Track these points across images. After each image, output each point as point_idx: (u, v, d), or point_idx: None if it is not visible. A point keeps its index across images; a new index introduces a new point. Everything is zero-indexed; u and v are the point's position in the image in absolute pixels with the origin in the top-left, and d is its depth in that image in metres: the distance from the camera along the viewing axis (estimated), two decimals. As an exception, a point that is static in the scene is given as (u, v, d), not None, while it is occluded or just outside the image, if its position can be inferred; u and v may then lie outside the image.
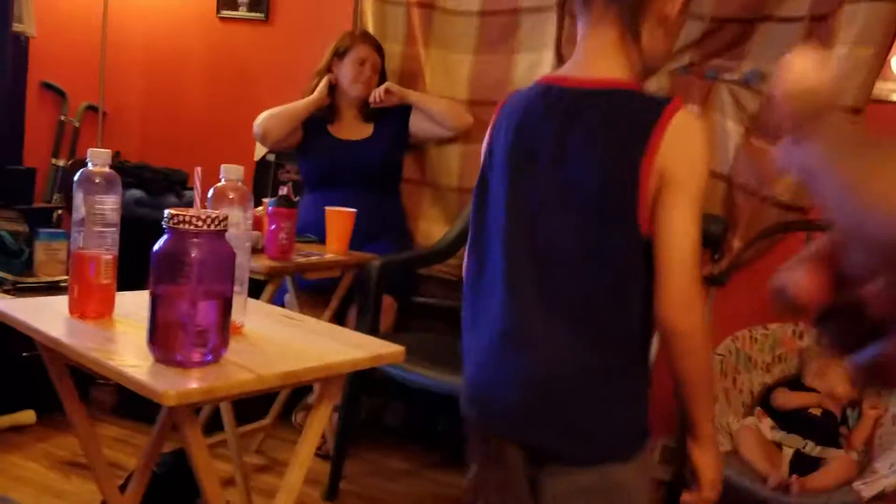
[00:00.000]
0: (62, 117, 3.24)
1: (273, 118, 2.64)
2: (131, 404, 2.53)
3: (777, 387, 2.16)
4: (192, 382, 0.94)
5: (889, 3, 2.20)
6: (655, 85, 2.41)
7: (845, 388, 2.06)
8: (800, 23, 2.37)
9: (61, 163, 3.20)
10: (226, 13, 3.26)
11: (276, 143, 2.69)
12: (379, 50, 2.68)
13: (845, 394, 2.07)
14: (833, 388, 2.07)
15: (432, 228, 2.83)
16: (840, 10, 2.28)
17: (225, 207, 1.14)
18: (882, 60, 2.27)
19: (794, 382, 2.15)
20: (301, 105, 2.66)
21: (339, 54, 2.65)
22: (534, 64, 2.65)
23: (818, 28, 2.34)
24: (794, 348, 2.23)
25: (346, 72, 2.65)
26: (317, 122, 2.71)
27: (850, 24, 2.25)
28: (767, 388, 2.19)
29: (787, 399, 2.11)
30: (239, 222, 1.15)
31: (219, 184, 1.17)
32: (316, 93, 2.65)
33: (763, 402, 2.16)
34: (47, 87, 3.20)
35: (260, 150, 3.17)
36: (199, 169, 1.10)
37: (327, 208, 2.25)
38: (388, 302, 2.41)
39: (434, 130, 2.72)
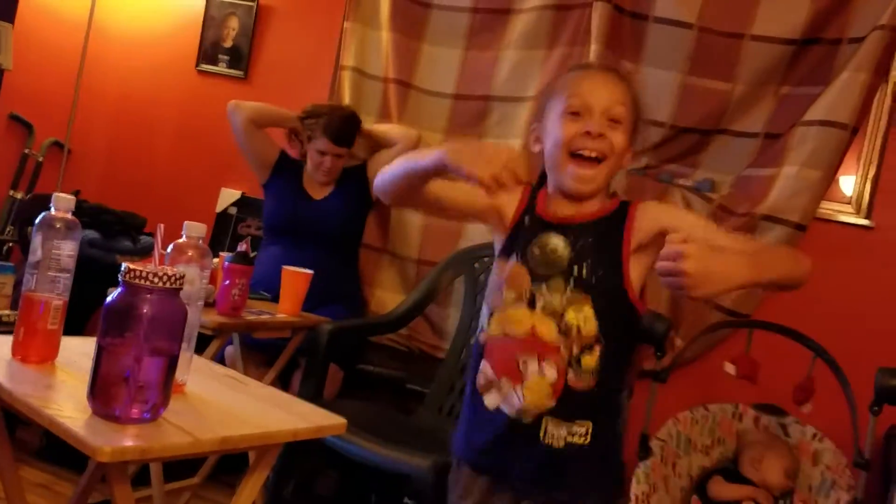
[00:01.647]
0: (26, 150, 3.22)
1: (252, 105, 2.71)
2: (57, 449, 2.45)
3: (714, 473, 2.19)
4: (128, 440, 0.93)
5: (838, 130, 2.34)
6: (613, 185, 2.50)
7: (779, 478, 2.10)
8: (754, 139, 2.50)
9: (19, 195, 3.16)
10: (205, 67, 3.31)
11: (244, 123, 2.70)
12: (346, 144, 2.70)
13: (778, 484, 2.10)
14: (766, 479, 2.10)
15: (386, 296, 2.85)
16: (793, 131, 2.41)
17: (183, 264, 1.16)
18: (828, 183, 2.40)
19: (731, 472, 2.18)
20: (285, 112, 2.71)
21: (307, 131, 2.70)
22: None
23: (771, 145, 2.47)
24: (732, 431, 2.27)
25: (310, 154, 2.69)
26: (294, 166, 2.74)
27: (801, 145, 2.38)
28: (706, 472, 2.22)
29: (720, 490, 2.13)
30: (195, 280, 1.16)
31: (179, 240, 1.19)
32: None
33: (700, 488, 2.18)
34: (15, 118, 3.19)
35: (222, 203, 3.18)
36: (161, 226, 1.11)
37: (284, 268, 2.26)
38: (334, 368, 2.41)
39: (391, 156, 2.75)
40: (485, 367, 1.34)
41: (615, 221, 1.33)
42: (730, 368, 2.23)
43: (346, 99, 2.90)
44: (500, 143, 1.26)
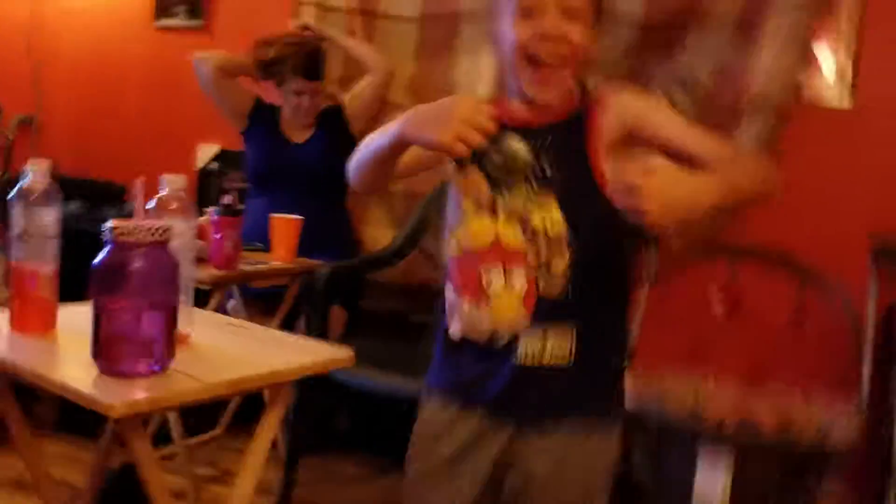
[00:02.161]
0: (-6, 130, 3.17)
1: (217, 55, 2.66)
2: (74, 420, 2.47)
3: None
4: (139, 393, 0.93)
5: (811, 11, 2.30)
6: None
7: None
8: (729, 28, 2.46)
9: (-5, 176, 3.13)
10: (163, 22, 3.23)
11: (212, 75, 2.64)
12: (319, 77, 2.65)
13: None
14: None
15: (378, 233, 2.84)
16: (767, 16, 2.37)
17: (167, 218, 1.14)
18: (807, 65, 2.37)
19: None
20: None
21: (275, 76, 2.64)
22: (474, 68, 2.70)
23: (746, 34, 2.43)
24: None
25: (286, 98, 2.64)
26: (271, 112, 2.70)
27: (777, 30, 2.34)
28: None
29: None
30: (183, 233, 1.15)
31: (160, 195, 1.17)
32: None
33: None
34: (-22, 99, 3.12)
35: (202, 159, 3.14)
36: (140, 180, 1.10)
37: (272, 215, 2.24)
38: (336, 311, 2.42)
39: (366, 90, 2.72)
40: (447, 291, 1.25)
41: (580, 120, 1.25)
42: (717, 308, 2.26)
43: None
44: (456, 97, 1.14)
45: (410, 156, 1.27)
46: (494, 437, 1.23)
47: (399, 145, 1.20)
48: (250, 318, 2.35)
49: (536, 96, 1.23)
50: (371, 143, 1.26)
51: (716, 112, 2.39)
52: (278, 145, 2.68)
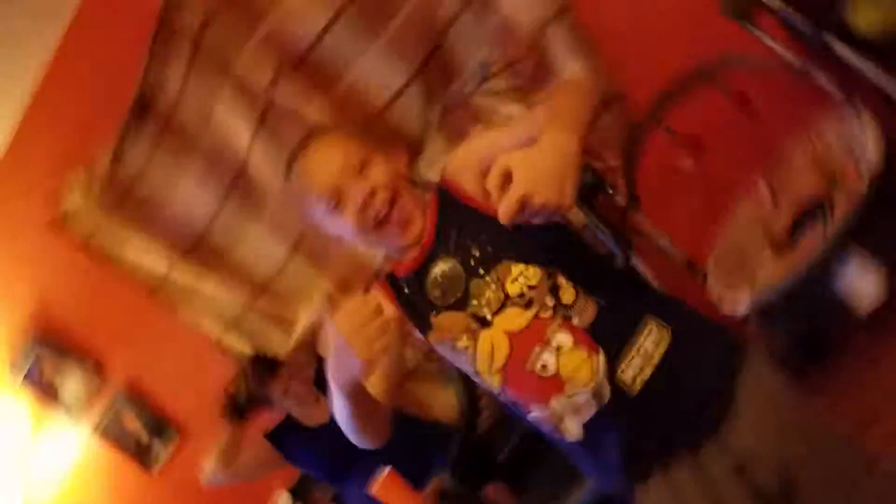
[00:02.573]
0: None
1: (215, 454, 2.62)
2: None
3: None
4: None
5: None
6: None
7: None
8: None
9: None
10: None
11: (225, 471, 2.60)
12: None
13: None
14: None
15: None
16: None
17: None
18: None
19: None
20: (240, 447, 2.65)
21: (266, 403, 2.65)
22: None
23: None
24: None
25: (281, 405, 2.63)
26: (288, 427, 2.68)
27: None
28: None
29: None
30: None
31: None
32: None
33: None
34: None
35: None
36: None
37: (374, 487, 2.22)
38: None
39: None
40: (529, 419, 1.22)
41: (451, 202, 1.27)
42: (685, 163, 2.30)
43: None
44: (335, 324, 1.13)
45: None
46: (712, 461, 1.15)
47: (351, 394, 1.18)
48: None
49: (408, 238, 1.27)
50: (339, 413, 1.25)
51: (526, 72, 2.48)
52: (317, 438, 2.66)
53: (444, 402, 2.72)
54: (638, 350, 1.15)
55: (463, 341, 1.22)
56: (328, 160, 1.28)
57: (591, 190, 2.09)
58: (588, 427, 1.17)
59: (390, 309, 1.19)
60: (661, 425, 1.15)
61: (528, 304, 1.17)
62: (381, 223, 1.25)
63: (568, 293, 1.17)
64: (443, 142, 2.68)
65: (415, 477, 2.36)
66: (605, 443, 1.18)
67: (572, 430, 1.18)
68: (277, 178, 2.71)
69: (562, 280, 1.17)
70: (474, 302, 1.20)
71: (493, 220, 1.16)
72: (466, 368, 1.26)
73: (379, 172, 1.26)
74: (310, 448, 2.64)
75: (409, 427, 2.69)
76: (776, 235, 2.13)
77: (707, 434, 1.14)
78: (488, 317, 1.19)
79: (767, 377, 1.19)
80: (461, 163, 1.29)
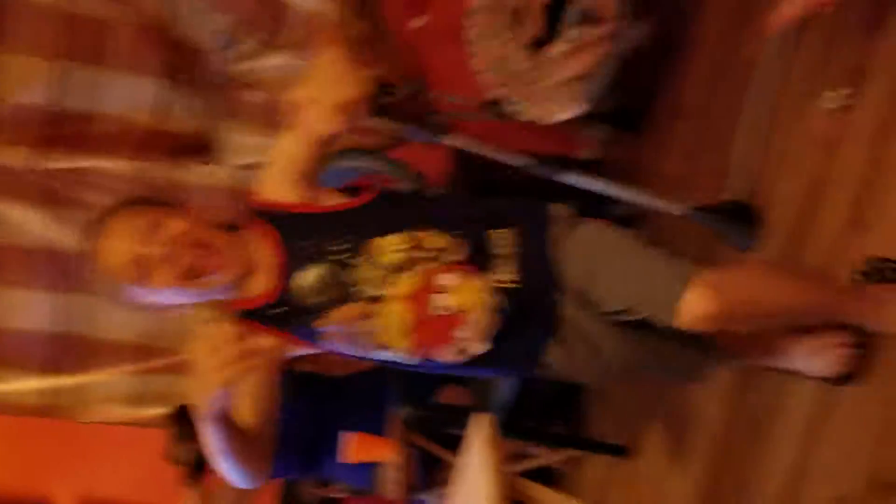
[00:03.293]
0: None
1: None
2: None
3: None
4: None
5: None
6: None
7: None
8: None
9: None
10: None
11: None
12: None
13: None
14: None
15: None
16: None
17: None
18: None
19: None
20: None
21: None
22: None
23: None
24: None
25: None
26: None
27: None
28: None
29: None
30: None
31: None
32: None
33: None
34: None
35: None
36: None
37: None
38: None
39: None
40: (435, 358, 1.32)
41: (283, 219, 1.33)
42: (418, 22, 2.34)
43: None
44: (192, 352, 1.08)
45: (249, 404, 1.23)
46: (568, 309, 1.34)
47: (218, 425, 1.14)
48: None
49: (232, 270, 1.26)
50: (212, 447, 1.18)
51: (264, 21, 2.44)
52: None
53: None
54: (499, 256, 1.30)
55: (362, 325, 1.28)
56: (117, 240, 1.23)
57: (379, 102, 2.11)
58: (497, 335, 1.29)
59: (263, 339, 1.21)
60: (538, 301, 1.31)
61: (406, 267, 1.26)
62: (195, 271, 1.22)
63: (432, 240, 1.28)
64: (234, 123, 2.63)
65: (377, 426, 2.45)
66: (512, 338, 1.31)
67: (478, 349, 1.30)
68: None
69: (422, 233, 1.28)
70: (357, 288, 1.26)
71: (330, 215, 1.29)
72: (367, 350, 1.32)
73: (174, 224, 1.24)
74: (276, 456, 2.66)
75: (347, 387, 2.76)
76: (532, 39, 2.28)
77: (559, 289, 1.33)
78: (378, 293, 1.26)
79: (578, 223, 1.38)
80: (273, 182, 1.33)
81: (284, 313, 1.29)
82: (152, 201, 1.29)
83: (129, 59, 2.43)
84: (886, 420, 1.37)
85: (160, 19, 2.45)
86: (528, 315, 1.31)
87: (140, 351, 2.78)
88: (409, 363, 1.34)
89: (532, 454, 2.68)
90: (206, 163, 2.56)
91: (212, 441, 1.16)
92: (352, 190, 1.39)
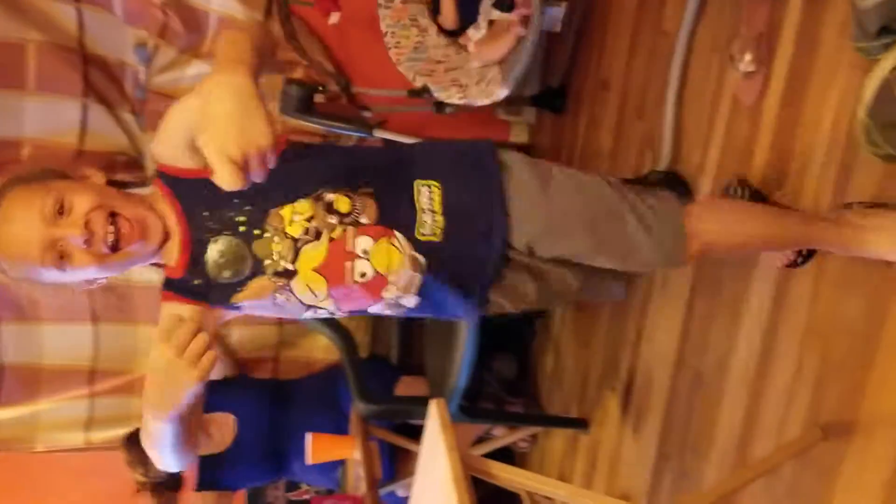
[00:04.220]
0: None
1: None
2: None
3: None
4: None
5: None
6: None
7: None
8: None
9: None
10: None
11: None
12: None
13: None
14: None
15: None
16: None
17: None
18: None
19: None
20: None
21: None
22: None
23: None
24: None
25: None
26: None
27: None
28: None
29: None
30: None
31: None
32: None
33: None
34: None
35: None
36: None
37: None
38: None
39: None
40: (366, 309, 1.29)
41: (184, 186, 1.23)
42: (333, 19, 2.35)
43: None
44: (158, 361, 1.06)
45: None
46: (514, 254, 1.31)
47: (179, 419, 1.12)
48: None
49: (154, 239, 1.20)
50: (161, 443, 1.16)
51: (179, 30, 2.40)
52: (239, 454, 2.68)
53: (320, 348, 2.79)
54: (422, 211, 1.24)
55: (280, 296, 1.24)
56: (23, 226, 1.12)
57: (305, 100, 2.12)
58: (423, 288, 1.27)
59: (188, 310, 1.15)
60: (470, 247, 1.27)
61: (317, 235, 1.21)
62: (115, 246, 1.15)
63: (342, 203, 1.21)
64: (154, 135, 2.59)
65: (340, 425, 2.46)
66: (443, 290, 1.29)
67: (411, 302, 1.29)
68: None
69: (330, 196, 1.21)
70: (268, 262, 1.21)
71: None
72: (298, 312, 1.29)
73: (81, 200, 1.14)
74: (241, 466, 2.65)
75: (305, 389, 2.75)
76: (452, 24, 2.32)
77: (501, 235, 1.28)
78: (290, 267, 1.22)
79: (518, 165, 1.32)
80: (167, 145, 1.22)
81: (202, 286, 1.23)
82: (46, 174, 1.19)
83: (49, 82, 2.38)
84: (821, 370, 1.44)
85: (74, 39, 2.40)
86: (458, 266, 1.27)
87: (88, 374, 2.74)
88: (342, 314, 1.32)
89: (495, 436, 2.72)
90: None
91: (166, 438, 1.14)
92: None
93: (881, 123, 1.21)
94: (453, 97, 2.32)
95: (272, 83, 2.43)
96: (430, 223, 1.24)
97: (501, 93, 2.23)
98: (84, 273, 1.16)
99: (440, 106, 2.42)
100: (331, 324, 2.30)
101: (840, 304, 1.41)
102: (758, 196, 1.59)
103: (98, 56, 2.47)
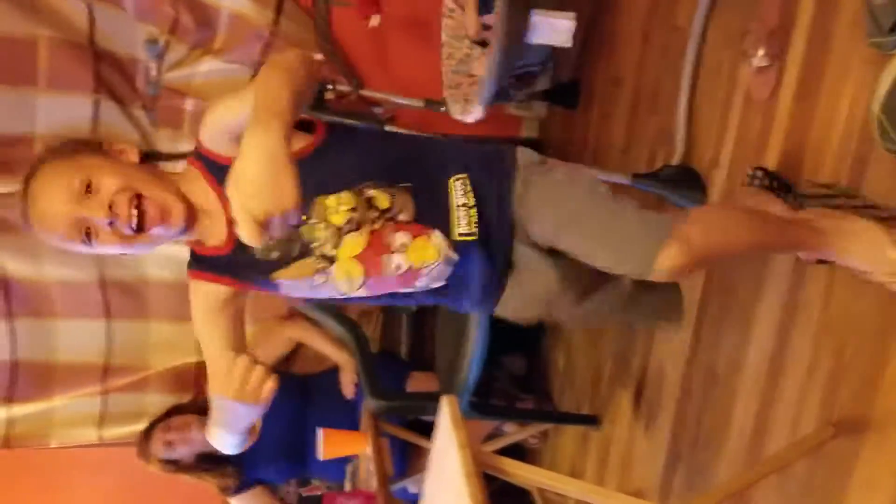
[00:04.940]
0: None
1: None
2: None
3: None
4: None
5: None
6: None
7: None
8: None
9: None
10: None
11: None
12: None
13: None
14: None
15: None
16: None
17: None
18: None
19: None
20: None
21: None
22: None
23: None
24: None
25: None
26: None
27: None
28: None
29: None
30: None
31: None
32: None
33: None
34: None
35: None
36: None
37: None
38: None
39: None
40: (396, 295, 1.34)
41: (214, 169, 1.25)
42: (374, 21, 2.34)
43: None
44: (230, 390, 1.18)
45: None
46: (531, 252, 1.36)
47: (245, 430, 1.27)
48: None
49: (177, 223, 1.22)
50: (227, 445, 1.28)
51: (191, 27, 2.39)
52: (260, 450, 2.67)
53: (331, 345, 2.80)
54: (458, 208, 1.28)
55: (319, 278, 1.29)
56: (52, 204, 1.17)
57: (318, 96, 2.12)
58: (451, 277, 1.32)
59: (219, 290, 1.22)
60: (499, 244, 1.32)
61: (358, 227, 1.25)
62: (140, 228, 1.18)
63: (382, 199, 1.25)
64: (167, 131, 2.60)
65: (351, 420, 2.46)
66: (470, 282, 1.34)
67: (437, 284, 1.33)
68: (35, 267, 2.57)
69: (371, 191, 1.25)
70: (315, 244, 1.26)
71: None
72: (331, 295, 1.34)
73: (108, 181, 1.17)
74: (264, 460, 2.66)
75: (322, 384, 2.76)
76: (474, 35, 2.27)
77: (518, 238, 1.34)
78: (332, 253, 1.26)
79: (534, 170, 1.35)
80: (212, 133, 1.24)
81: (240, 263, 1.27)
82: (81, 148, 1.23)
83: (60, 78, 2.39)
84: (834, 368, 1.43)
85: (85, 35, 2.41)
86: (484, 261, 1.32)
87: (101, 370, 2.76)
88: (373, 302, 1.39)
89: (506, 433, 2.72)
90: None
91: (232, 444, 1.27)
92: (305, 125, 1.31)
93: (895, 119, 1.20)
94: (457, 112, 2.29)
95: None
96: (465, 219, 1.28)
97: (475, 113, 2.17)
98: (110, 249, 1.21)
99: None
100: (341, 319, 2.30)
101: (853, 302, 1.40)
102: (780, 182, 1.56)
103: (109, 52, 2.48)
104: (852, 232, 1.30)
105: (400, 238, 1.26)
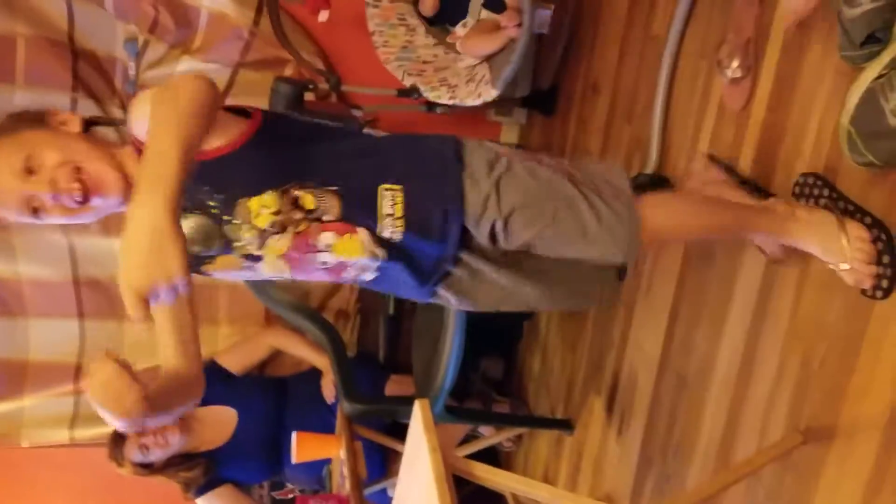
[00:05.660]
0: None
1: None
2: None
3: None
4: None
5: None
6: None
7: None
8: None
9: None
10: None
11: None
12: None
13: None
14: None
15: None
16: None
17: None
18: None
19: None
20: None
21: None
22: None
23: None
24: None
25: None
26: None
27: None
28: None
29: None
30: None
31: None
32: None
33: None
34: None
35: None
36: None
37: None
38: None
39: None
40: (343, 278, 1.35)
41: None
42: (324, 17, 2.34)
43: None
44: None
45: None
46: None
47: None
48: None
49: (112, 193, 1.22)
50: None
51: (169, 26, 2.38)
52: (235, 450, 2.66)
53: (312, 351, 2.79)
54: (383, 215, 1.27)
55: (246, 273, 1.31)
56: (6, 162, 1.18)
57: (295, 98, 2.12)
58: (381, 270, 1.32)
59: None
60: (427, 246, 1.30)
61: (282, 229, 1.25)
62: (83, 200, 1.20)
63: (307, 200, 1.24)
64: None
65: (329, 423, 2.46)
66: (398, 273, 1.34)
67: (368, 277, 1.35)
68: (8, 265, 2.55)
69: (296, 192, 1.24)
70: (237, 244, 1.26)
71: (203, 164, 1.18)
72: (263, 278, 1.36)
73: (49, 156, 1.19)
74: (240, 460, 2.65)
75: (296, 387, 2.75)
76: (430, 11, 2.33)
77: (455, 236, 1.31)
78: (256, 253, 1.27)
79: (483, 173, 1.31)
80: (135, 125, 1.22)
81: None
82: (22, 122, 1.23)
83: (38, 75, 2.37)
84: (802, 374, 1.45)
85: (64, 33, 2.39)
86: (413, 261, 1.32)
87: (75, 370, 2.73)
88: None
89: (482, 435, 2.73)
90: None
91: None
92: (241, 112, 1.29)
93: (864, 132, 1.22)
94: (443, 97, 2.33)
95: (263, 80, 2.42)
96: (390, 226, 1.27)
97: (491, 94, 2.24)
98: (58, 220, 1.23)
99: (431, 105, 2.42)
100: (318, 323, 2.30)
101: (822, 307, 1.42)
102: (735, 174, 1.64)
103: (88, 50, 2.46)
104: (808, 220, 1.37)
105: (325, 239, 1.26)
